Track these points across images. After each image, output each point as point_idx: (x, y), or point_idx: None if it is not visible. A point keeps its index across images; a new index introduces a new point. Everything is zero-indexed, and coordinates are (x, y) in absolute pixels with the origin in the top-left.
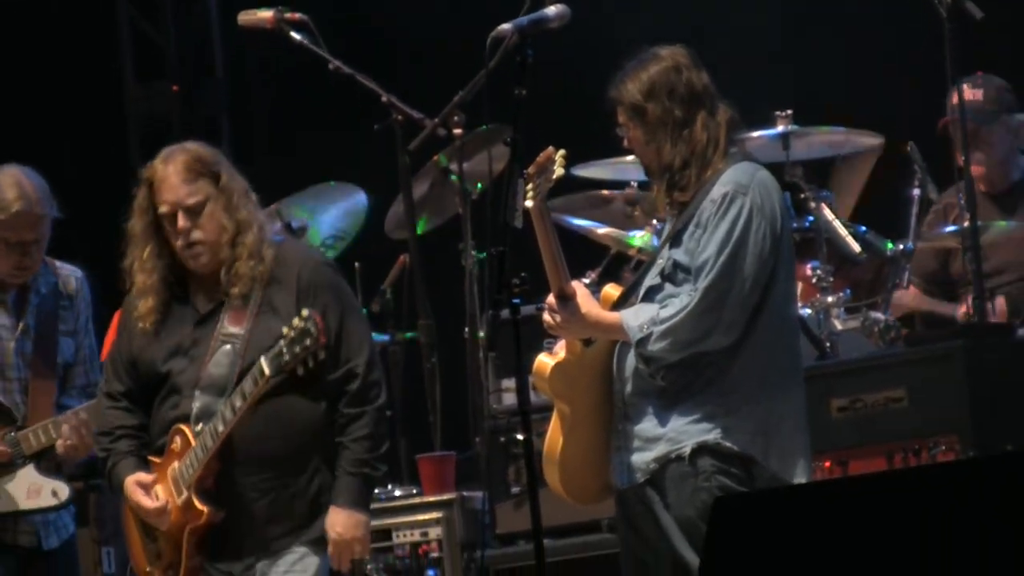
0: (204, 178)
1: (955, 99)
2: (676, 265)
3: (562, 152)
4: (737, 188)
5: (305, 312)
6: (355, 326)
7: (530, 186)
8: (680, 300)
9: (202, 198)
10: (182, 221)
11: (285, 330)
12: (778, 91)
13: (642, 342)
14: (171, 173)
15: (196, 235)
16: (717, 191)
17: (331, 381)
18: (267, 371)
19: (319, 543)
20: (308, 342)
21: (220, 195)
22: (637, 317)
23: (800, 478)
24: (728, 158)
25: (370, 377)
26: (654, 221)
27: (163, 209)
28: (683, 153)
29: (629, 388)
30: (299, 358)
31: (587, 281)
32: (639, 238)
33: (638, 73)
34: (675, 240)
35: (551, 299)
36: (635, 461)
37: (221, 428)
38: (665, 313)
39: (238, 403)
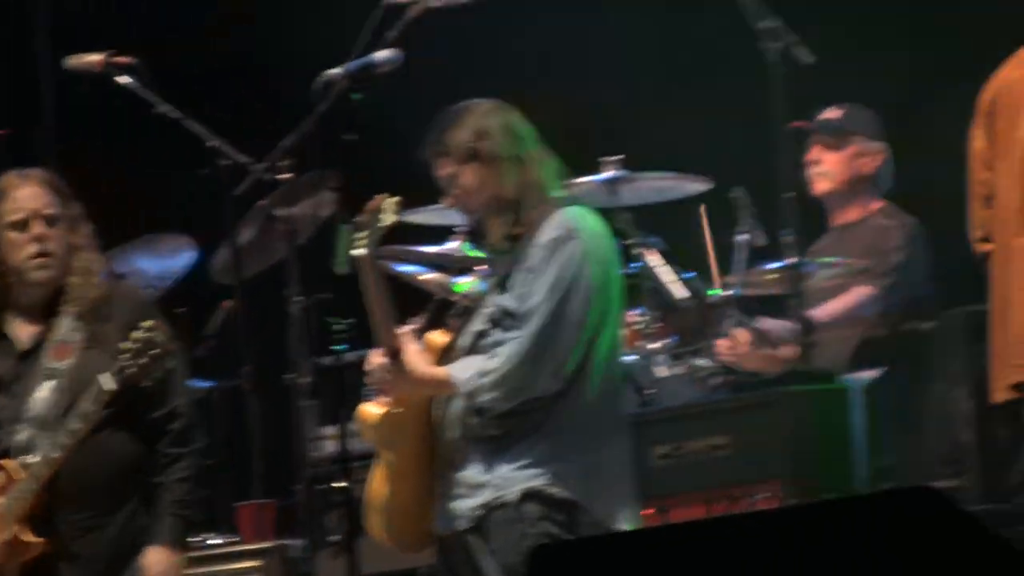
0: (58, 195)
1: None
2: (504, 312)
3: (395, 200)
4: (568, 232)
5: (148, 323)
6: (179, 367)
7: (360, 234)
8: (508, 347)
9: (56, 211)
10: (38, 228)
11: (124, 345)
12: (606, 137)
13: (471, 395)
14: (29, 183)
15: (50, 245)
16: (546, 235)
17: (153, 419)
18: (110, 386)
19: None
20: (155, 351)
21: (66, 215)
22: (465, 370)
23: (624, 524)
24: (557, 200)
25: (193, 418)
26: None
27: (16, 216)
28: (517, 188)
29: (455, 434)
30: (147, 369)
31: (413, 327)
32: (464, 283)
33: (463, 120)
34: (503, 285)
35: (375, 359)
36: (459, 507)
37: (56, 455)
38: (492, 364)
39: (75, 425)
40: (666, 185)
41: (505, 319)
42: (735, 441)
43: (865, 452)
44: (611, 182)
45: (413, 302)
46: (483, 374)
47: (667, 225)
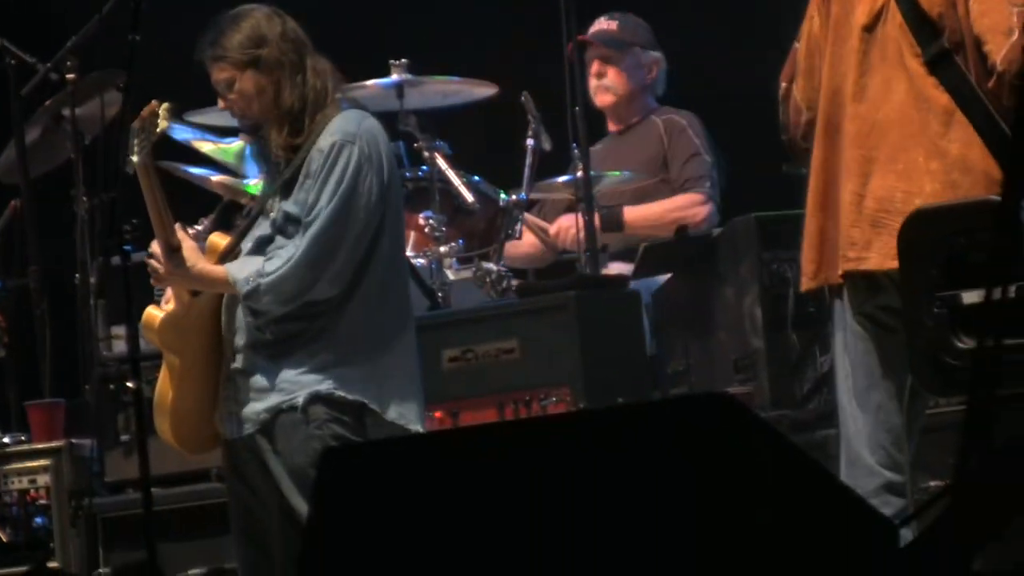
0: None
1: (592, 30)
2: (287, 217)
3: (166, 105)
4: (345, 137)
5: None
6: None
7: (135, 141)
8: (286, 251)
9: None
10: None
11: None
12: (393, 41)
13: (249, 295)
14: None
15: None
16: (325, 140)
17: None
18: None
19: None
20: None
21: None
22: (242, 270)
23: (414, 427)
24: (336, 104)
25: None
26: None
27: None
28: (299, 97)
29: (239, 339)
30: None
31: (200, 228)
32: (254, 185)
33: (238, 25)
34: (285, 190)
35: (155, 248)
36: (246, 412)
37: None
38: (270, 266)
39: None
40: (452, 89)
41: (287, 225)
42: (525, 345)
43: (656, 357)
44: (398, 86)
45: (205, 203)
46: (261, 275)
47: (453, 129)
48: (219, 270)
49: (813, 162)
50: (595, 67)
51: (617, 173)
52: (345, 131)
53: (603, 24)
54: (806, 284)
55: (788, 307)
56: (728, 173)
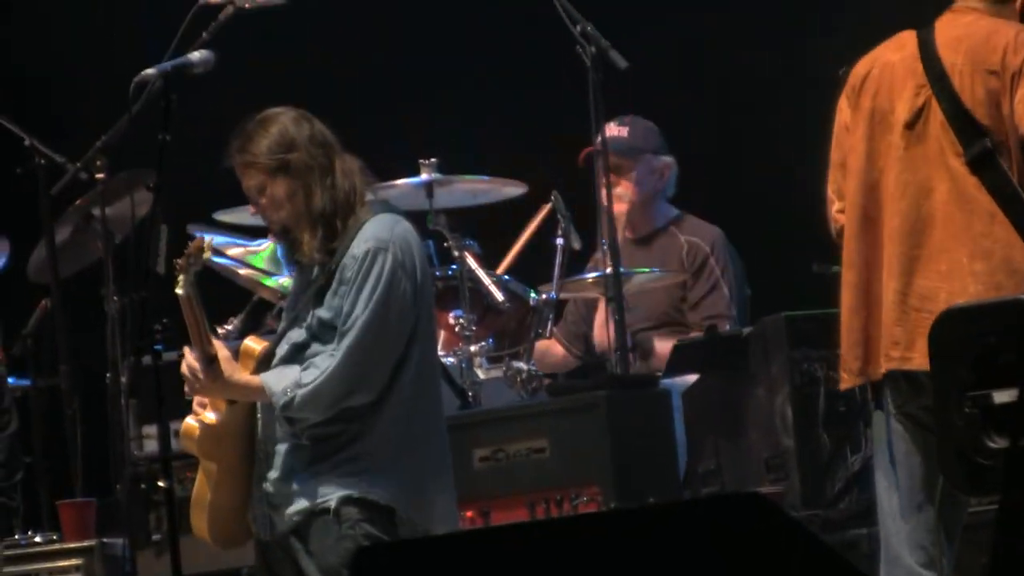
0: None
1: (601, 136)
2: (321, 323)
3: (209, 240)
4: (379, 244)
5: None
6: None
7: (181, 277)
8: (322, 360)
9: None
10: None
11: None
12: (423, 140)
13: (286, 406)
14: None
15: None
16: (359, 247)
17: None
18: None
19: None
20: None
21: None
22: (280, 381)
23: (442, 527)
24: (368, 207)
25: (3, 404)
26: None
27: None
28: (330, 199)
29: (274, 442)
30: None
31: (229, 327)
32: (284, 283)
33: (266, 130)
34: (318, 298)
35: (191, 359)
36: (279, 515)
37: None
38: (307, 377)
39: None
40: (481, 188)
41: (322, 331)
42: (555, 444)
43: (686, 457)
44: (427, 185)
45: (232, 298)
46: (298, 386)
47: (483, 228)
48: (256, 381)
49: (849, 256)
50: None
51: (646, 270)
52: (379, 237)
53: (613, 131)
54: (850, 381)
55: (819, 406)
56: (748, 299)
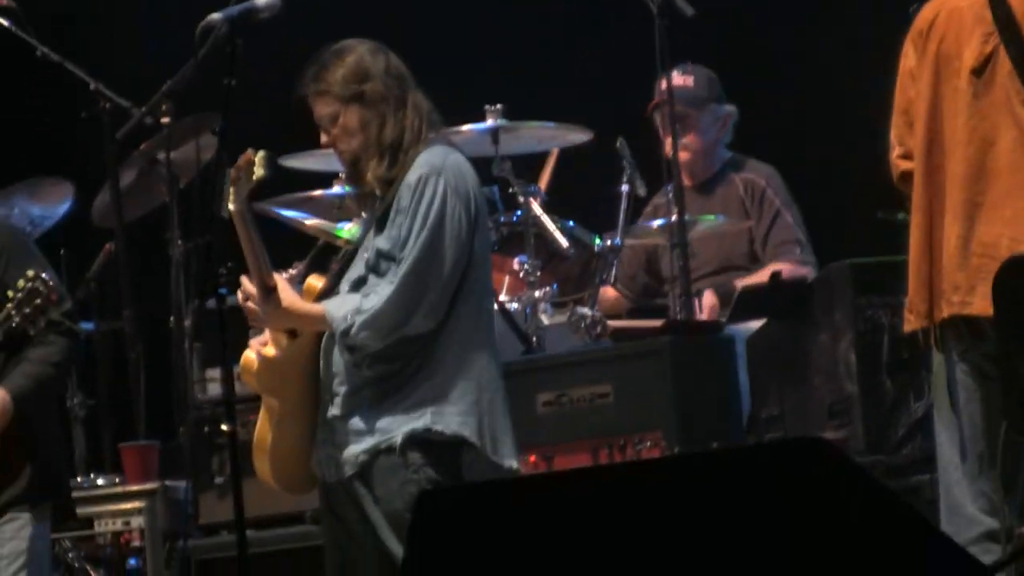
0: None
1: (664, 85)
2: (379, 254)
3: (262, 154)
4: (431, 170)
5: (31, 272)
6: (62, 317)
7: (232, 189)
8: (382, 288)
9: None
10: None
11: (10, 294)
12: (489, 85)
13: (346, 332)
14: None
15: None
16: (412, 175)
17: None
18: None
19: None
20: (39, 302)
21: None
22: (341, 307)
23: (512, 462)
24: (425, 142)
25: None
26: (363, 214)
27: None
28: (399, 131)
29: (337, 383)
30: (29, 319)
31: (294, 272)
32: (348, 230)
33: (342, 60)
34: (378, 228)
35: (250, 288)
36: (345, 455)
37: None
38: (368, 303)
39: None
40: (547, 135)
41: (381, 262)
42: (619, 390)
43: (749, 403)
44: (493, 131)
45: (299, 247)
46: (357, 312)
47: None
48: (317, 308)
49: (917, 200)
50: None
51: (712, 217)
52: (431, 164)
53: (678, 80)
54: (915, 323)
55: (883, 353)
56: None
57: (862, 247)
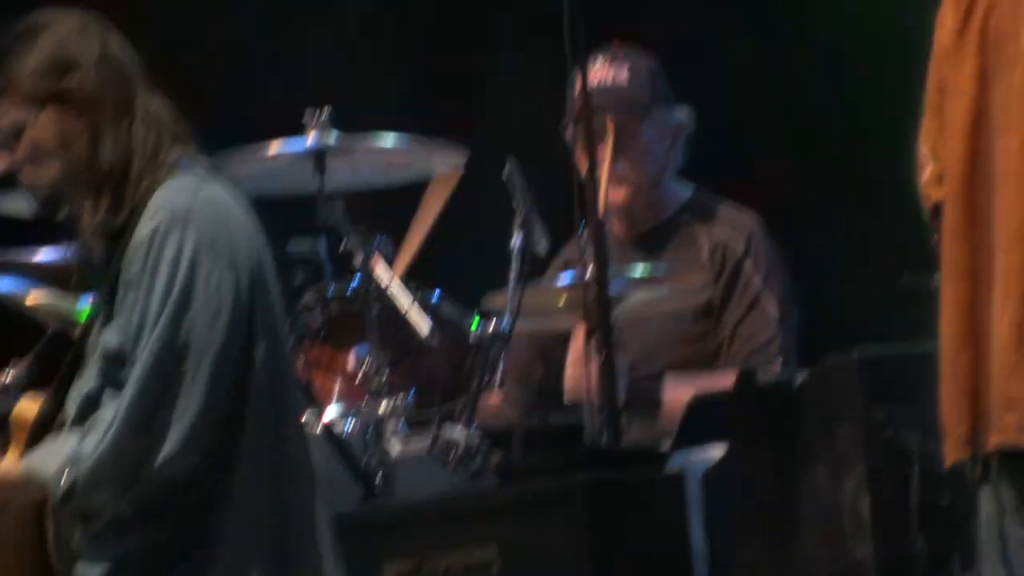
0: None
1: (592, 79)
2: (108, 357)
3: None
4: (171, 217)
5: None
6: None
7: None
8: (107, 411)
9: None
10: None
11: None
12: (310, 88)
13: (69, 495)
14: None
15: None
16: (145, 225)
17: None
18: None
19: None
20: None
21: None
22: (51, 460)
23: None
24: (172, 169)
25: None
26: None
27: None
28: (124, 153)
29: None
30: None
31: (7, 379)
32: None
33: (34, 42)
34: (106, 312)
35: None
36: None
37: None
38: (89, 443)
39: None
40: (398, 159)
41: (111, 368)
42: (508, 556)
43: (707, 572)
44: (317, 154)
45: (21, 337)
46: (76, 462)
47: (402, 220)
48: (13, 474)
49: (950, 259)
50: (605, 151)
51: (649, 268)
52: (172, 208)
53: (607, 72)
54: (955, 454)
55: (911, 495)
56: (800, 322)
57: (878, 330)
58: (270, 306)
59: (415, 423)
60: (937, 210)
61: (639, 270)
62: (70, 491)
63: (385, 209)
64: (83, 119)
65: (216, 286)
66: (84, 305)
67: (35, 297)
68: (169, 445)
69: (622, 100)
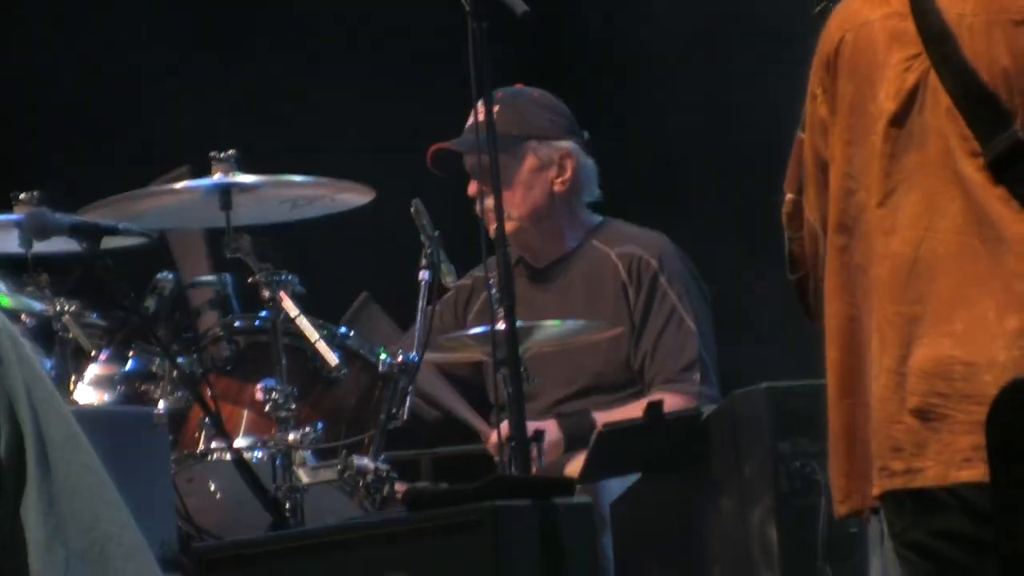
0: None
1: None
2: None
3: None
4: None
5: None
6: None
7: None
8: None
9: None
10: None
11: None
12: (218, 124)
13: None
14: None
15: None
16: None
17: None
18: None
19: None
20: None
21: None
22: None
23: None
24: None
25: None
26: (23, 318)
27: None
28: None
29: None
30: None
31: None
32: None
33: None
34: None
35: None
36: None
37: None
38: None
39: None
40: (305, 194)
41: None
42: None
43: None
44: (223, 190)
45: None
46: None
47: (308, 256)
48: None
49: (829, 320)
50: (472, 186)
51: (557, 323)
52: None
53: (477, 113)
54: (841, 508)
55: (819, 526)
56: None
57: (786, 363)
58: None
59: (323, 452)
60: (793, 212)
61: (551, 327)
62: None
63: (290, 244)
64: None
65: None
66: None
67: None
68: None
69: (483, 138)
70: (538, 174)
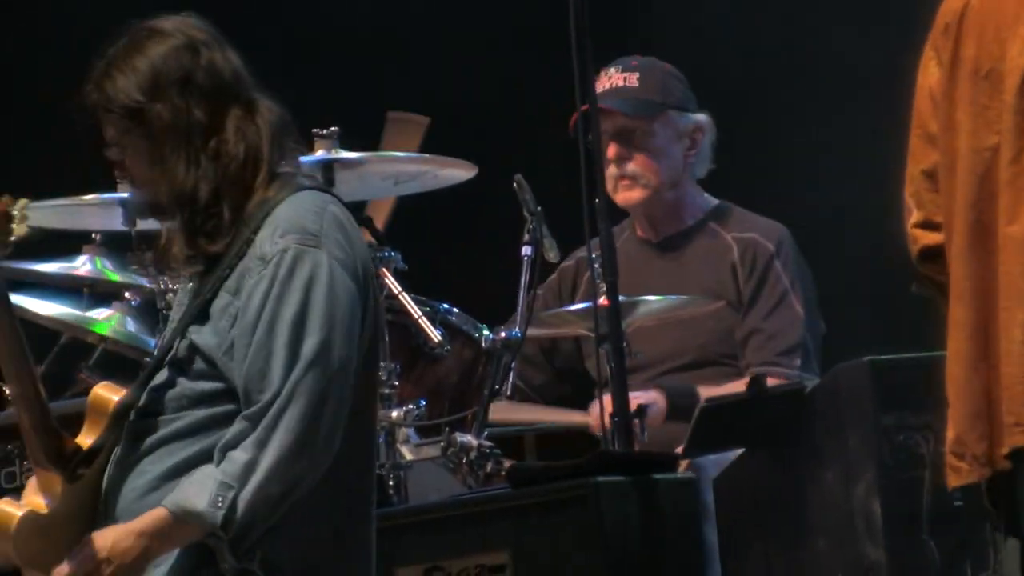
0: None
1: (602, 87)
2: (195, 350)
3: (23, 202)
4: (303, 239)
5: None
6: None
7: None
8: (240, 432)
9: None
10: None
11: None
12: (322, 101)
13: (228, 523)
14: None
15: None
16: (269, 244)
17: None
18: None
19: None
20: None
21: None
22: (199, 491)
23: None
24: (280, 182)
25: None
26: (127, 295)
27: None
28: (210, 177)
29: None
30: None
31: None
32: (105, 320)
33: (132, 59)
34: (200, 315)
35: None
36: None
37: None
38: (234, 466)
39: None
40: (408, 170)
41: (194, 362)
42: (521, 559)
43: (720, 573)
44: (326, 165)
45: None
46: (230, 484)
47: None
48: (156, 516)
49: (957, 284)
50: (612, 149)
51: (659, 298)
52: (302, 228)
53: (617, 79)
54: (967, 475)
55: (923, 499)
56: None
57: (889, 337)
58: (382, 316)
59: (426, 430)
60: (925, 254)
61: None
62: (229, 517)
63: (392, 221)
64: (165, 144)
65: (350, 307)
66: (98, 316)
67: (52, 312)
68: (317, 459)
69: (629, 102)
70: (675, 144)
